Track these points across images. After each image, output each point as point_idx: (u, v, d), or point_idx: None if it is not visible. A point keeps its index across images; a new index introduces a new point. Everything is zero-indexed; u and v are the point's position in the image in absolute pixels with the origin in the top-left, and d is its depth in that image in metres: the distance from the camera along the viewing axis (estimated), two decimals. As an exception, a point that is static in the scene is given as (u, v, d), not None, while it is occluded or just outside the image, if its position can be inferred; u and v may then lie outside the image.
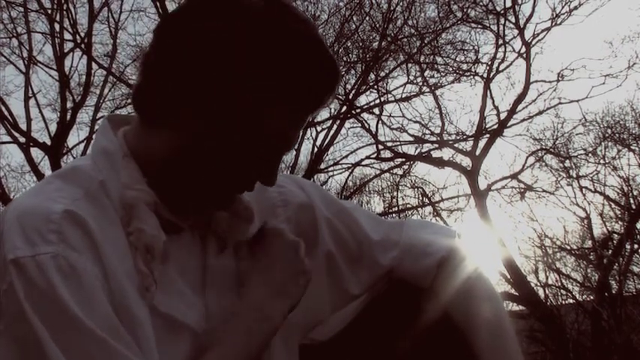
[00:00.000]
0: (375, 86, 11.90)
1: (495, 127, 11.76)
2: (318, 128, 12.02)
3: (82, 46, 10.78)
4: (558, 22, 11.53)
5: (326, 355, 1.11)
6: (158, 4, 10.45)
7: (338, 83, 0.95)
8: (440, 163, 12.00)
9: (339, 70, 0.95)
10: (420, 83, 11.87)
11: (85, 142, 11.13)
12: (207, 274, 0.95)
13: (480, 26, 11.78)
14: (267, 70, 0.88)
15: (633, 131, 12.37)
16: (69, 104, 10.68)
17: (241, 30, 0.87)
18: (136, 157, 0.92)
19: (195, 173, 0.91)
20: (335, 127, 11.86)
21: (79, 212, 0.84)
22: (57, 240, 0.80)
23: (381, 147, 12.09)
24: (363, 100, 12.14)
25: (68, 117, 10.62)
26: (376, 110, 12.03)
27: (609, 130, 12.32)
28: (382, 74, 11.85)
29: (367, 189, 13.43)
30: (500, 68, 11.77)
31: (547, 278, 13.07)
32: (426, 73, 11.80)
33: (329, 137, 11.83)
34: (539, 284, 12.71)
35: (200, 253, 0.97)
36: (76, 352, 0.77)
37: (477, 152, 11.59)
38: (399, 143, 12.25)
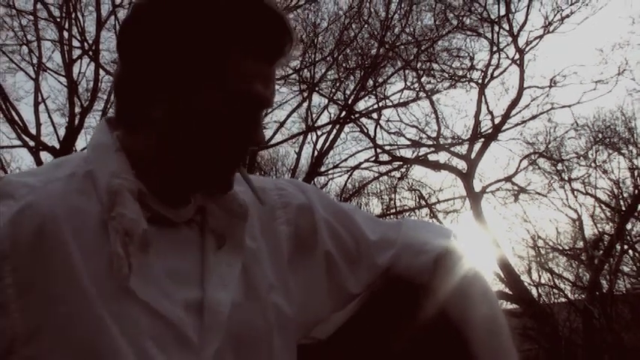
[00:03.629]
0: (374, 92, 11.91)
1: (490, 131, 11.78)
2: (319, 132, 12.04)
3: (90, 53, 10.79)
4: (551, 30, 11.60)
5: (325, 352, 1.10)
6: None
7: (287, 27, 0.93)
8: (436, 166, 12.01)
9: (283, 13, 0.94)
10: (417, 89, 11.89)
11: (92, 145, 11.08)
12: (207, 269, 0.94)
13: (475, 34, 11.83)
14: (215, 26, 0.89)
15: (623, 135, 12.41)
16: (77, 109, 10.68)
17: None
18: (128, 153, 0.93)
19: (185, 156, 0.92)
20: (335, 131, 11.88)
21: (36, 205, 0.85)
22: None
23: (379, 151, 12.11)
24: (361, 105, 12.15)
25: (76, 121, 10.61)
26: (374, 115, 12.04)
27: (600, 135, 12.36)
28: (380, 80, 11.87)
29: (366, 191, 13.44)
30: (495, 74, 11.84)
31: (540, 278, 13.10)
32: (422, 79, 11.82)
33: (329, 141, 11.84)
34: (532, 283, 12.74)
35: (199, 249, 0.96)
36: None
37: (472, 156, 11.61)
38: (396, 147, 12.26)
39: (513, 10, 11.65)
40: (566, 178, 12.38)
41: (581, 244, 12.61)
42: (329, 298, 1.08)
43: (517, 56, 11.63)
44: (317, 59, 11.54)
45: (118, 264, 0.84)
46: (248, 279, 0.97)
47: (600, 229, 12.42)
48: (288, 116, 11.72)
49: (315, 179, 12.18)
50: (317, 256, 1.07)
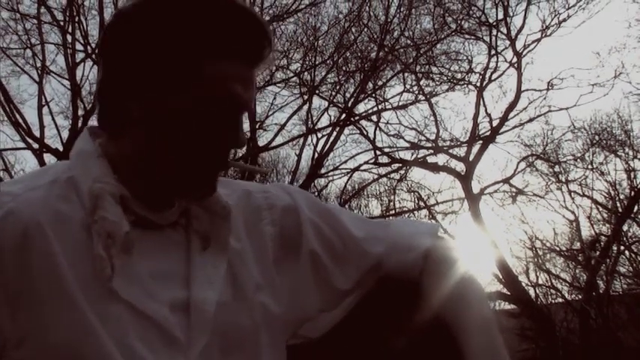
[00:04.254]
0: (373, 94, 11.90)
1: (488, 133, 11.80)
2: (319, 135, 12.07)
3: (93, 56, 10.81)
4: (548, 34, 11.62)
5: (318, 352, 1.11)
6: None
7: (265, 31, 0.94)
8: (435, 168, 12.02)
9: (261, 18, 0.94)
10: (416, 92, 11.87)
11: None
12: (192, 270, 0.94)
13: (473, 37, 11.84)
14: (193, 28, 0.89)
15: (620, 138, 12.44)
16: (80, 112, 10.69)
17: (157, 3, 0.91)
18: (110, 159, 0.94)
19: (165, 158, 0.92)
20: (335, 133, 11.85)
21: (17, 211, 0.86)
22: None
23: (378, 153, 12.10)
24: (361, 107, 12.14)
25: (80, 124, 10.61)
26: (374, 117, 12.03)
27: (597, 137, 12.39)
28: (380, 83, 11.84)
29: (365, 193, 13.44)
30: (493, 77, 11.85)
31: (537, 278, 13.13)
32: (421, 82, 11.80)
33: (329, 143, 11.82)
34: (530, 284, 12.76)
35: (184, 250, 0.96)
36: None
37: (471, 158, 11.64)
38: (395, 149, 12.25)
39: (511, 14, 11.69)
40: (564, 179, 12.43)
41: (578, 245, 12.65)
42: (317, 297, 1.08)
43: (515, 59, 11.68)
44: (317, 62, 11.57)
45: (101, 265, 0.84)
46: (234, 279, 0.98)
47: (597, 231, 12.45)
48: (289, 119, 11.76)
49: (316, 181, 12.23)
50: (303, 256, 1.07)
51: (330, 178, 12.81)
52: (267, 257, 1.04)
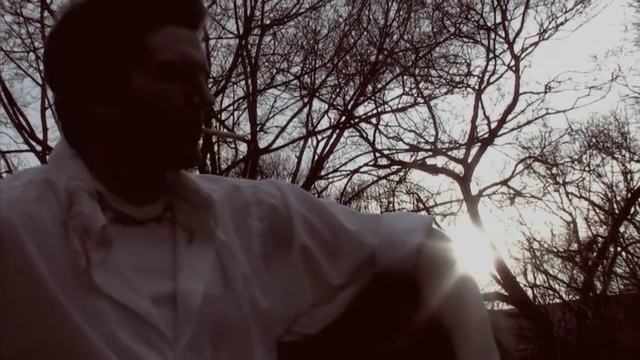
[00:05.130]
0: (373, 97, 11.90)
1: (486, 136, 11.80)
2: (319, 137, 12.09)
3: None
4: (546, 37, 11.61)
5: (316, 348, 1.10)
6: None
7: None
8: (434, 170, 12.02)
9: None
10: (415, 94, 11.87)
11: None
12: (178, 262, 0.94)
13: (471, 41, 11.84)
14: (126, 8, 0.91)
15: (616, 140, 12.43)
16: (83, 114, 10.75)
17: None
18: (85, 160, 0.94)
19: (140, 141, 0.92)
20: (335, 136, 11.86)
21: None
22: None
23: (378, 155, 12.09)
24: (361, 110, 12.15)
25: (82, 126, 10.66)
26: (373, 120, 12.04)
27: (594, 139, 12.39)
28: (379, 86, 11.85)
29: (365, 195, 13.44)
30: (491, 80, 11.82)
31: (535, 279, 13.11)
32: (420, 85, 11.82)
33: (329, 146, 11.81)
34: (527, 285, 12.75)
35: (171, 244, 0.96)
36: None
37: (469, 160, 11.63)
38: (395, 151, 12.26)
39: (509, 18, 11.69)
40: (561, 181, 12.44)
41: (575, 246, 12.65)
42: (310, 292, 1.07)
43: (513, 62, 11.66)
44: (317, 65, 11.57)
45: (76, 259, 0.85)
46: (223, 271, 0.98)
47: (594, 232, 12.45)
48: (289, 121, 11.77)
49: (316, 183, 12.26)
50: (294, 251, 1.06)
51: (330, 180, 12.84)
52: (254, 252, 1.04)
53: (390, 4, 11.44)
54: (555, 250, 12.77)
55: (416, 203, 12.87)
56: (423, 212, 12.57)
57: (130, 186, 0.95)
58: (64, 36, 0.94)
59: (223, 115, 11.39)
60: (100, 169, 0.94)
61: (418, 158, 12.22)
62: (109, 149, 0.94)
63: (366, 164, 12.34)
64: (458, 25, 11.69)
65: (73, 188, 0.89)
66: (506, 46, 11.75)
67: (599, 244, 11.90)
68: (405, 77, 11.72)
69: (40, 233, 0.86)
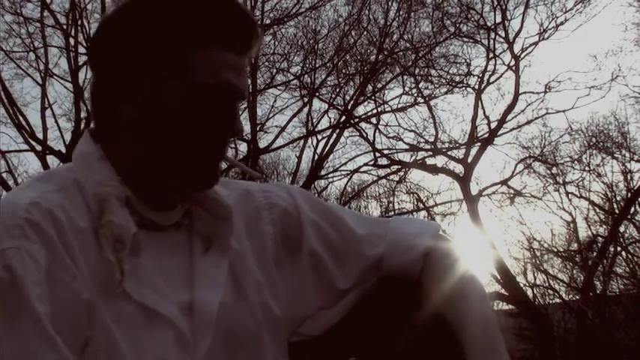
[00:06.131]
0: (373, 97, 11.93)
1: (486, 135, 11.81)
2: (319, 137, 12.09)
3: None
4: (545, 37, 11.64)
5: (320, 349, 1.10)
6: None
7: (250, 17, 0.95)
8: (434, 169, 12.03)
9: (244, 6, 0.94)
10: (415, 94, 11.89)
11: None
12: (195, 271, 0.94)
13: (471, 40, 11.86)
14: (178, 20, 0.90)
15: (616, 140, 12.47)
16: (83, 114, 10.71)
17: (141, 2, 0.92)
18: (112, 162, 0.93)
19: (162, 153, 0.92)
20: (335, 135, 11.89)
21: (44, 202, 0.84)
22: (19, 234, 0.81)
23: (378, 155, 12.11)
24: (361, 110, 12.18)
25: (82, 126, 10.65)
26: (373, 120, 12.06)
27: (594, 139, 12.42)
28: (379, 86, 11.88)
29: (365, 194, 13.47)
30: (491, 80, 11.85)
31: (535, 279, 13.14)
32: (420, 85, 11.84)
33: (329, 145, 11.85)
34: (527, 284, 12.77)
35: (187, 251, 0.96)
36: (22, 350, 0.76)
37: (469, 159, 11.64)
38: (395, 151, 12.28)
39: (509, 18, 11.70)
40: (561, 181, 12.45)
41: (575, 246, 12.67)
42: (316, 296, 1.07)
43: (513, 62, 11.67)
44: (317, 65, 11.59)
45: (111, 270, 0.84)
46: (236, 279, 0.98)
47: (594, 232, 12.49)
48: (289, 121, 11.78)
49: (316, 182, 12.25)
50: (304, 256, 1.06)
51: (330, 180, 12.86)
52: (268, 257, 1.04)
53: (390, 4, 11.47)
54: (555, 249, 12.80)
55: (416, 203, 12.90)
56: (423, 212, 12.60)
57: (153, 191, 0.95)
58: (115, 26, 0.94)
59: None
60: (126, 171, 0.93)
61: (418, 158, 12.26)
62: (136, 152, 0.93)
63: (365, 164, 12.39)
64: (458, 25, 11.72)
65: (104, 195, 0.88)
66: (506, 45, 11.78)
67: (599, 244, 11.92)
68: (405, 77, 11.76)
69: (79, 237, 0.86)
